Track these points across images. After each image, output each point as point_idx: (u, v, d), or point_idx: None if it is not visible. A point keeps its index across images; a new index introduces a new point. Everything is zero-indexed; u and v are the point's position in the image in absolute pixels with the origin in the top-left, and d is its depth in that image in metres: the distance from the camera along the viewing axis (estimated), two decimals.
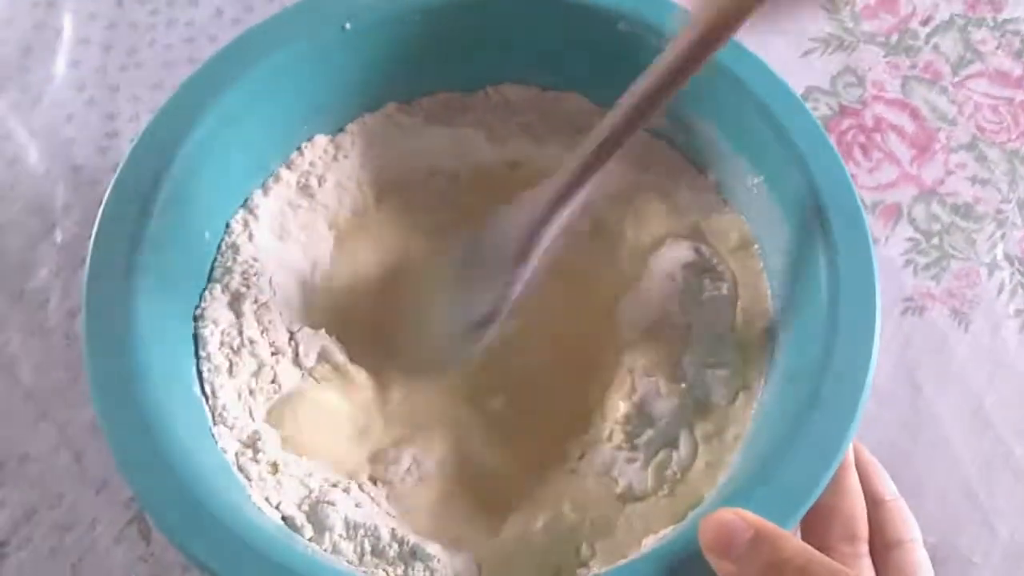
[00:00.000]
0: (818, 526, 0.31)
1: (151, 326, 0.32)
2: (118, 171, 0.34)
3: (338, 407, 0.36)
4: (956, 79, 0.49)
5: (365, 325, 0.38)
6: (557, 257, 0.39)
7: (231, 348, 0.35)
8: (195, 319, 0.36)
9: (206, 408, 0.34)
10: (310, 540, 0.32)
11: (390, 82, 0.40)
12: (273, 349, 0.36)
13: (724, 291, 0.37)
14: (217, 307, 0.36)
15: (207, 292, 0.36)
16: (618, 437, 0.35)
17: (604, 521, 0.34)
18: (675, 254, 0.38)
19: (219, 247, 0.37)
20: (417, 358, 0.37)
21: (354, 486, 0.34)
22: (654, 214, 0.39)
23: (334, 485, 0.34)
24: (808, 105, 0.39)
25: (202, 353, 0.35)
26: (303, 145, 0.40)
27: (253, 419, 0.35)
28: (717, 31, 0.27)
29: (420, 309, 0.38)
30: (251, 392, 0.35)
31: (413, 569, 0.32)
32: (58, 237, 0.44)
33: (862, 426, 0.31)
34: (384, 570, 0.32)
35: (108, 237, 0.33)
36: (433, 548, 0.32)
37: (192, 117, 0.35)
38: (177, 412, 0.32)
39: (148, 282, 0.33)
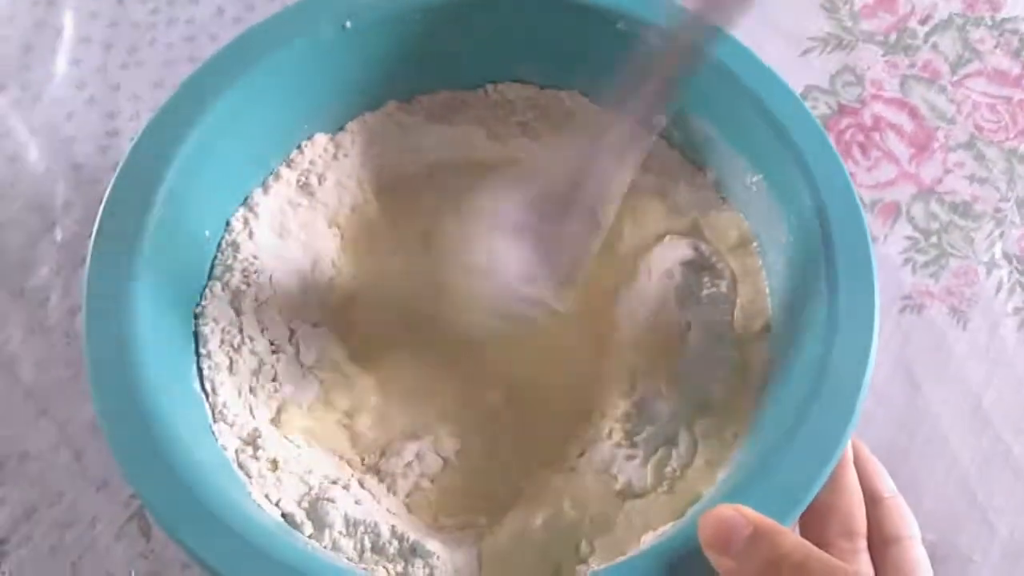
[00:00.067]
0: (816, 523, 0.32)
1: (151, 324, 0.32)
2: (118, 169, 0.34)
3: (339, 404, 0.36)
4: (955, 78, 0.49)
5: (366, 323, 0.38)
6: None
7: (231, 346, 0.35)
8: (195, 317, 0.36)
9: (206, 406, 0.34)
10: (310, 537, 0.32)
11: (390, 81, 0.40)
12: (273, 347, 0.36)
13: (723, 289, 0.37)
14: (217, 305, 0.36)
15: (207, 290, 0.36)
16: (617, 434, 0.35)
17: (603, 518, 0.34)
18: (674, 252, 0.38)
19: (219, 245, 0.37)
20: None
21: (354, 483, 0.34)
22: (653, 212, 0.39)
23: (334, 482, 0.34)
24: (807, 104, 0.39)
25: (202, 351, 0.35)
26: (303, 143, 0.40)
27: (253, 417, 0.35)
28: None
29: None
30: (251, 390, 0.35)
31: (413, 566, 0.32)
32: (58, 235, 0.44)
33: (861, 424, 0.31)
34: (384, 567, 0.32)
35: (108, 235, 0.33)
36: (433, 545, 0.33)
37: (192, 116, 0.35)
38: (177, 410, 0.32)
39: (148, 280, 0.33)
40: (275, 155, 0.39)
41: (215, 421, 0.34)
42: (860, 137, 0.47)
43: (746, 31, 0.38)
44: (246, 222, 0.38)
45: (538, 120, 0.41)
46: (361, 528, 0.32)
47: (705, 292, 0.37)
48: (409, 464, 0.35)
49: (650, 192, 0.40)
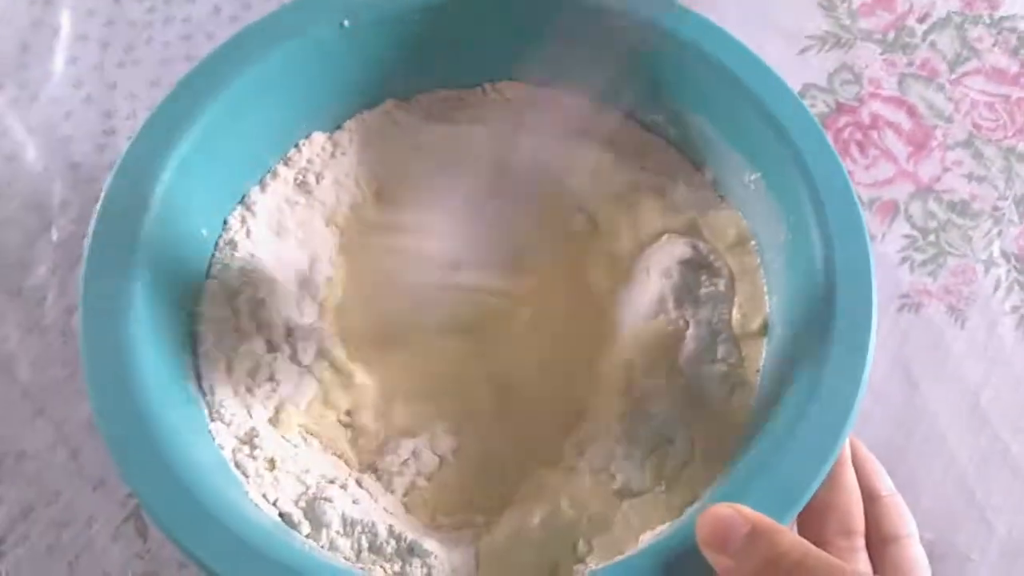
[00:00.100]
0: (814, 521, 0.32)
1: (148, 323, 0.32)
2: (115, 168, 0.34)
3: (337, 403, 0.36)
4: (953, 76, 0.49)
5: (364, 322, 0.38)
6: (555, 253, 0.40)
7: (229, 345, 0.35)
8: (192, 316, 0.36)
9: (203, 405, 0.34)
10: (307, 536, 0.32)
11: (388, 79, 0.40)
12: (271, 346, 0.36)
13: (721, 287, 0.37)
14: (214, 304, 0.36)
15: (205, 289, 0.36)
16: (615, 433, 0.35)
17: (601, 517, 0.34)
18: (672, 250, 0.38)
19: (216, 244, 0.37)
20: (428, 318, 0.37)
21: (352, 482, 0.34)
22: (651, 211, 0.39)
23: (331, 481, 0.34)
24: (805, 102, 0.39)
25: (199, 350, 0.35)
26: (301, 142, 0.40)
27: (250, 416, 0.35)
28: None
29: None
30: (248, 389, 0.35)
31: (410, 565, 0.32)
32: (55, 234, 0.44)
33: (858, 422, 0.31)
34: (381, 566, 0.32)
35: (105, 234, 0.33)
36: (430, 544, 0.32)
37: (189, 114, 0.35)
38: (174, 409, 0.32)
39: (145, 279, 0.33)
40: (273, 153, 0.39)
41: (212, 420, 0.34)
42: (858, 135, 0.47)
43: (744, 29, 0.38)
44: (243, 221, 0.38)
45: (536, 118, 0.41)
46: (358, 528, 0.32)
47: (703, 291, 0.37)
48: (405, 462, 0.35)
49: (648, 191, 0.40)
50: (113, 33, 0.49)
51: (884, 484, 0.34)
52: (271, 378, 0.36)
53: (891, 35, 0.50)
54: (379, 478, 0.35)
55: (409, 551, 0.32)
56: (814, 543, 0.27)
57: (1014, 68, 0.49)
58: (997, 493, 0.40)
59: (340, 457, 0.36)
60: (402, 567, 0.32)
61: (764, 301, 0.37)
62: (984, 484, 0.41)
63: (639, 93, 0.40)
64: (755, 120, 0.36)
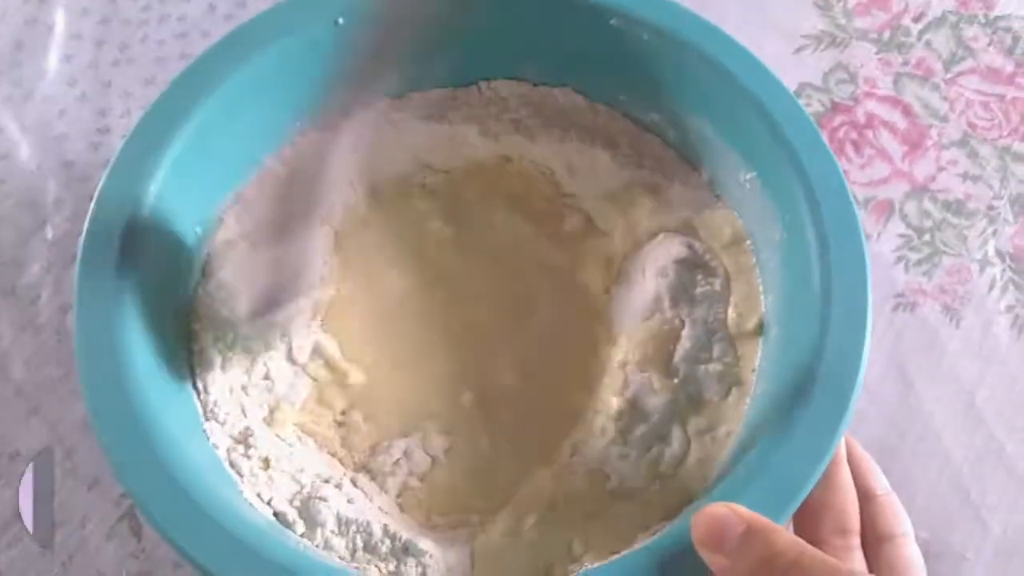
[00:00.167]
0: (810, 520, 0.32)
1: (142, 322, 0.32)
2: (109, 167, 0.34)
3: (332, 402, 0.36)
4: (948, 76, 0.49)
5: (358, 321, 0.38)
6: (550, 253, 0.40)
7: (223, 344, 0.35)
8: (187, 314, 0.35)
9: (198, 404, 0.34)
10: (302, 536, 0.32)
11: (382, 78, 0.40)
12: (266, 345, 0.36)
13: (717, 287, 0.37)
14: (209, 303, 0.36)
15: (199, 287, 0.36)
16: (610, 433, 0.35)
17: (596, 516, 0.34)
18: (668, 250, 0.38)
19: (211, 242, 0.37)
20: None
21: (346, 481, 0.34)
22: (647, 210, 0.39)
23: (326, 481, 0.34)
24: (801, 102, 0.39)
25: (194, 348, 0.35)
26: (295, 140, 0.40)
27: (245, 415, 0.35)
28: None
29: None
30: (243, 388, 0.35)
31: (405, 565, 0.32)
32: (49, 233, 0.44)
33: (854, 421, 0.31)
34: (376, 566, 0.32)
35: (99, 233, 0.33)
36: (425, 543, 0.32)
37: (184, 113, 0.35)
38: (168, 408, 0.32)
39: (139, 278, 0.32)
40: (267, 152, 0.39)
41: (207, 419, 0.34)
42: (853, 135, 0.47)
43: (740, 28, 0.38)
44: (238, 219, 0.37)
45: (532, 117, 0.41)
46: (353, 527, 0.32)
47: (699, 290, 0.37)
48: (397, 462, 0.35)
49: (644, 190, 0.40)
50: (107, 31, 0.48)
51: (879, 483, 0.34)
52: (266, 377, 0.36)
53: (886, 34, 0.50)
54: (373, 478, 0.35)
55: (404, 550, 0.32)
56: (810, 542, 0.27)
57: (1009, 68, 0.49)
58: (992, 492, 0.41)
59: (335, 456, 0.36)
60: (397, 567, 0.32)
61: (760, 300, 0.37)
62: (979, 483, 0.41)
63: (635, 92, 0.40)
64: (751, 119, 0.36)
